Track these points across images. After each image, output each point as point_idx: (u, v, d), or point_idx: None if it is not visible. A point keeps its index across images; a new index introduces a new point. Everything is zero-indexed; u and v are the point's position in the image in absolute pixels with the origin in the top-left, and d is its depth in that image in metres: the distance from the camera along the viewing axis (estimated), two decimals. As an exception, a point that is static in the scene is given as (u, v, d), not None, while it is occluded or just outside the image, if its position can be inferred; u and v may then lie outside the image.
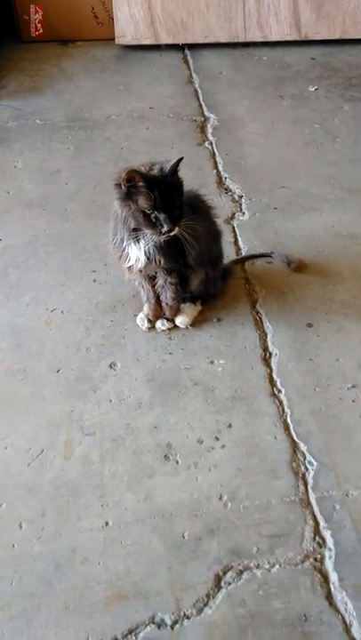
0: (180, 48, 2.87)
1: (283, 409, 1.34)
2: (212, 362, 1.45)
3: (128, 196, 1.22)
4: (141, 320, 1.52)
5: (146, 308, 1.51)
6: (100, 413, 1.34)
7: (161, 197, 1.18)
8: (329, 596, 1.05)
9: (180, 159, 1.22)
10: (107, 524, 1.15)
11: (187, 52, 2.86)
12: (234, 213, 1.90)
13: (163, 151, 2.20)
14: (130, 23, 2.82)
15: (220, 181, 2.05)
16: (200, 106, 2.47)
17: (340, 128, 2.30)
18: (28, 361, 1.47)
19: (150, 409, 1.35)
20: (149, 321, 1.51)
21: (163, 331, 1.51)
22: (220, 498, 1.19)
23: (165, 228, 1.21)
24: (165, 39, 2.85)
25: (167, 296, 1.44)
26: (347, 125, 2.31)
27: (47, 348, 1.50)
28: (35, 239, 1.84)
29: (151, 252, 1.28)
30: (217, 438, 1.29)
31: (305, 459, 1.25)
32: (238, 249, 1.76)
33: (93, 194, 2.02)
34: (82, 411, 1.35)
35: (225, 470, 1.23)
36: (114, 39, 2.87)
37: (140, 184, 1.19)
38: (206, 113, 2.41)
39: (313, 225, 1.85)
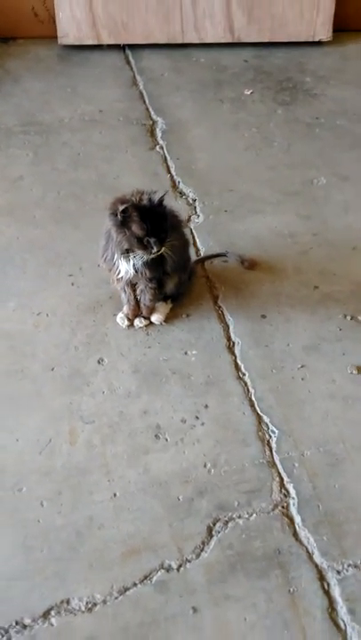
0: (121, 48, 3.01)
1: (247, 389, 1.62)
2: (185, 353, 1.70)
3: (123, 223, 1.43)
4: (121, 319, 1.74)
5: (126, 308, 1.73)
6: (95, 404, 1.56)
7: (152, 225, 1.41)
8: (295, 534, 1.35)
9: (166, 192, 1.45)
10: (115, 495, 1.39)
11: (128, 52, 3.01)
12: (190, 216, 2.13)
13: (118, 156, 2.39)
14: (72, 24, 2.92)
15: (175, 185, 2.27)
16: (147, 109, 2.65)
17: (276, 132, 2.57)
18: (24, 362, 1.65)
19: (138, 397, 1.59)
20: (129, 319, 1.73)
21: (140, 327, 1.74)
22: (205, 465, 1.45)
23: (155, 250, 1.44)
24: (107, 40, 2.98)
25: (146, 298, 1.67)
26: (281, 130, 2.58)
27: (39, 349, 1.68)
28: (9, 246, 1.99)
29: (139, 266, 1.50)
30: (197, 417, 1.55)
31: (268, 428, 1.54)
32: (197, 249, 2.00)
33: (58, 200, 2.18)
34: (79, 403, 1.56)
35: (206, 443, 1.50)
36: (55, 37, 2.97)
37: (135, 214, 1.41)
38: (154, 116, 2.60)
39: (258, 226, 2.12)
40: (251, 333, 1.76)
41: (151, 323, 1.75)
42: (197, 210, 2.16)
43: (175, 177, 2.30)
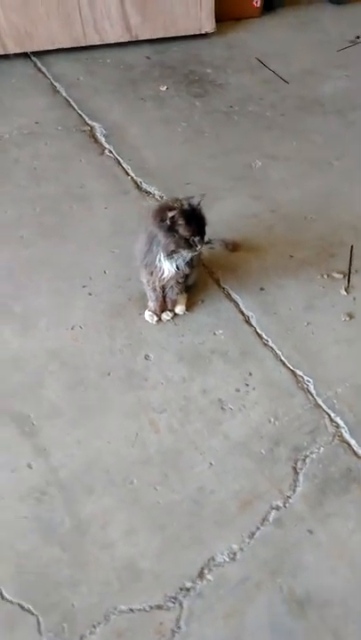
0: (27, 56, 3.01)
1: (275, 352, 1.90)
2: (214, 333, 1.93)
3: (170, 228, 1.60)
4: (150, 316, 1.91)
5: (153, 305, 1.89)
6: (160, 394, 1.74)
7: (197, 226, 1.60)
8: (355, 453, 1.68)
9: (203, 195, 1.63)
10: (211, 464, 1.61)
11: (35, 59, 3.02)
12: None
13: (73, 165, 2.47)
14: (-26, 35, 2.85)
15: (138, 186, 2.42)
16: (80, 116, 2.73)
17: (202, 124, 2.82)
18: (80, 374, 1.76)
19: (192, 380, 1.79)
20: (157, 315, 1.91)
21: (168, 320, 1.93)
22: (270, 421, 1.72)
23: (199, 248, 1.63)
24: (14, 49, 2.96)
25: (174, 292, 1.86)
26: (206, 121, 2.83)
27: (88, 360, 1.80)
28: (12, 270, 2.02)
29: (181, 264, 1.68)
30: (247, 384, 1.80)
31: (303, 379, 1.84)
32: (183, 242, 2.21)
33: (36, 216, 2.23)
34: (146, 396, 1.73)
35: (263, 403, 1.76)
36: None
37: (181, 219, 1.58)
38: (89, 122, 2.70)
39: (224, 211, 2.37)
40: (258, 306, 2.03)
41: (175, 314, 1.95)
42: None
43: (135, 178, 2.45)
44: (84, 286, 2.00)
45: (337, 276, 2.16)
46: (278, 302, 2.06)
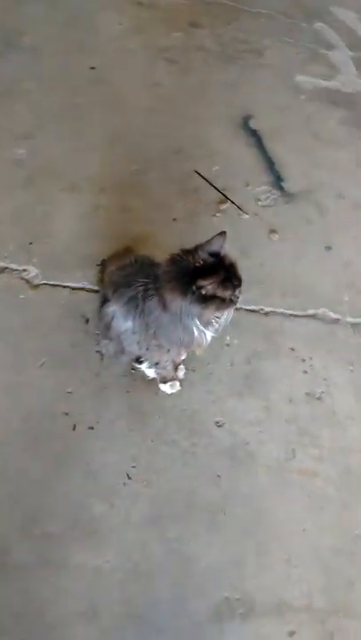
0: None
1: (280, 312, 1.71)
2: (227, 345, 1.62)
3: (205, 296, 1.19)
4: (172, 386, 1.50)
5: (168, 374, 1.47)
6: (277, 442, 1.46)
7: (235, 278, 1.21)
8: None
9: (223, 233, 1.18)
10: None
11: None
12: (24, 270, 1.69)
13: None
14: None
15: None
16: None
17: None
18: (203, 502, 1.33)
19: (271, 402, 1.54)
20: (175, 379, 1.50)
21: (186, 372, 1.54)
22: (351, 370, 1.61)
23: (240, 298, 1.25)
24: None
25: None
26: None
27: (186, 486, 1.37)
28: None
29: (223, 322, 1.28)
30: (303, 360, 1.62)
31: (319, 313, 1.72)
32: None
33: None
34: (263, 454, 1.42)
35: (329, 362, 1.63)
36: None
37: (217, 283, 1.16)
38: None
39: (68, 225, 1.83)
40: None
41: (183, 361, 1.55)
42: (23, 266, 1.71)
43: None
44: (74, 427, 1.41)
45: (223, 207, 1.97)
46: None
